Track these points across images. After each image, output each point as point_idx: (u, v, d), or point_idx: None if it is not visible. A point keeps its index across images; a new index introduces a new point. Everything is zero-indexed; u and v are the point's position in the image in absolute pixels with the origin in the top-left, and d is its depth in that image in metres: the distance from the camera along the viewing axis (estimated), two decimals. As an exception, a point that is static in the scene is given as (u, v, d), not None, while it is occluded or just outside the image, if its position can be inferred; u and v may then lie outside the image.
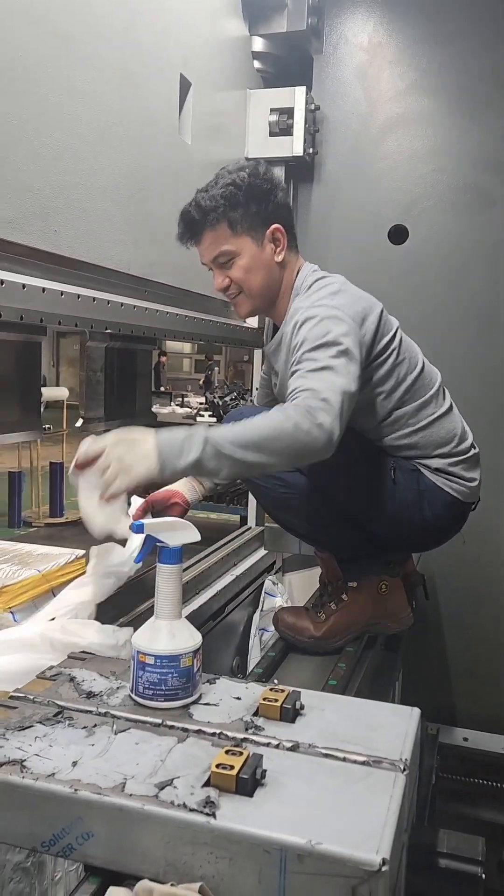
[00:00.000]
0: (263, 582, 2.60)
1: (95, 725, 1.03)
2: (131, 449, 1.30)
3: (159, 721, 1.06)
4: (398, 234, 2.62)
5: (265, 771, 0.92)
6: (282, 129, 2.52)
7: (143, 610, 1.78)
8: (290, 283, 1.75)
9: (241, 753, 0.92)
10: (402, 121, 2.61)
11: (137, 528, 1.15)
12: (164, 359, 18.23)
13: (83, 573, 2.34)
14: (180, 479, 1.42)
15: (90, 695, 1.13)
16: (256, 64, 2.64)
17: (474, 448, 1.82)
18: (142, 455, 1.30)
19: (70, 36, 1.51)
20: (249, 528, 2.81)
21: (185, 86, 2.03)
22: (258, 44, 2.61)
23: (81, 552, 2.48)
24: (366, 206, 2.65)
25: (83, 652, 1.33)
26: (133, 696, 1.11)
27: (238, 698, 1.14)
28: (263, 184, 1.68)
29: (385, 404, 1.71)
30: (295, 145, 2.52)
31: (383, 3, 2.60)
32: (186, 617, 2.00)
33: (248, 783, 0.88)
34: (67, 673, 1.21)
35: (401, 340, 1.75)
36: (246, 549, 2.63)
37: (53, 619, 1.71)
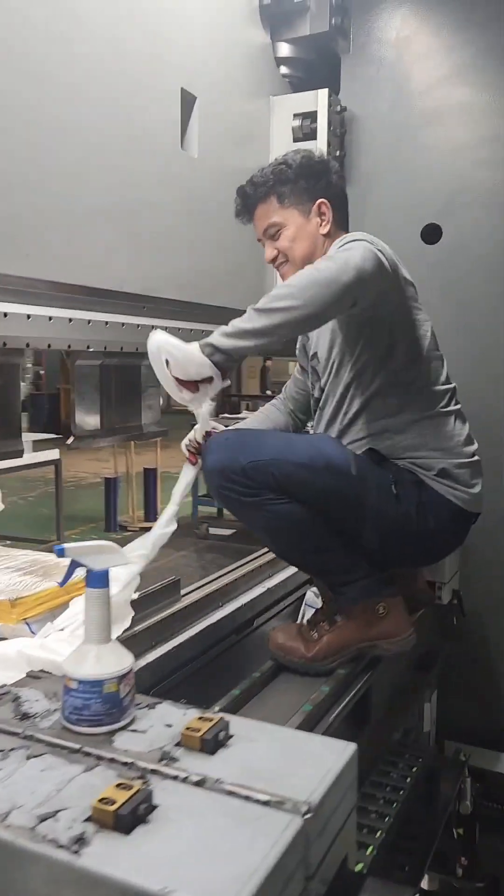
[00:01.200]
0: (305, 594, 2.55)
1: (13, 749, 1.03)
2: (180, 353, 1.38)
3: (78, 747, 1.04)
4: (432, 234, 2.50)
5: (153, 807, 0.89)
6: (305, 133, 2.47)
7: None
8: None
9: (130, 788, 0.89)
10: (435, 115, 2.49)
11: (59, 552, 1.15)
12: (269, 363, 18.76)
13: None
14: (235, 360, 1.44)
15: (25, 716, 1.14)
16: (284, 69, 2.61)
17: (478, 456, 1.78)
18: (195, 355, 1.38)
19: (57, 62, 1.54)
20: (287, 539, 2.76)
21: (188, 100, 2.03)
22: (284, 49, 2.59)
23: (108, 564, 2.51)
24: (399, 206, 2.55)
25: (42, 671, 1.33)
26: (63, 720, 1.11)
27: (169, 725, 1.11)
28: (316, 164, 1.83)
29: (402, 363, 1.71)
30: (319, 149, 2.45)
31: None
32: (204, 630, 2.03)
33: (126, 820, 0.85)
34: (15, 692, 1.22)
35: (427, 320, 1.81)
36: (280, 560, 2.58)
37: (63, 629, 1.75)
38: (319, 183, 1.82)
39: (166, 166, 1.96)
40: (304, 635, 1.68)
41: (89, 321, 1.71)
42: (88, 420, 1.76)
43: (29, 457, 4.94)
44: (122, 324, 1.74)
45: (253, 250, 2.33)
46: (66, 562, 2.70)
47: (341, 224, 1.87)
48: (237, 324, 1.40)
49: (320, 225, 1.82)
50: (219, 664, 1.96)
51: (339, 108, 2.52)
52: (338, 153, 2.54)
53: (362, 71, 2.58)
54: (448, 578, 2.26)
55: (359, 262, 1.45)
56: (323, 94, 2.45)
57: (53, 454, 5.46)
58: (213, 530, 2.87)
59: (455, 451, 1.71)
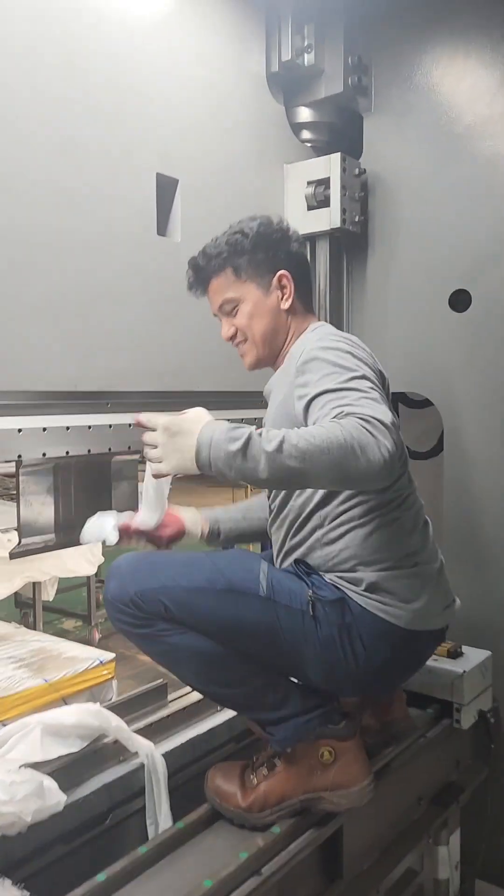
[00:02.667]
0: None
1: None
2: (175, 438, 1.30)
3: None
4: (460, 300, 2.25)
5: None
6: (319, 201, 2.32)
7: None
8: (299, 333, 1.66)
9: None
10: (462, 172, 2.24)
11: None
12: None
13: (105, 679, 2.28)
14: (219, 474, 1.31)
15: None
16: (306, 134, 2.49)
17: (426, 564, 1.53)
18: (186, 448, 1.29)
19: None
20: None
21: (167, 184, 1.95)
22: (303, 114, 2.47)
23: (110, 656, 2.42)
24: (425, 272, 2.32)
25: None
26: None
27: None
28: (274, 233, 1.66)
29: None
30: (332, 216, 2.30)
31: (431, 53, 2.28)
32: (194, 738, 1.89)
33: None
34: None
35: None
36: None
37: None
38: (279, 253, 1.64)
39: (142, 254, 1.88)
40: (243, 780, 1.48)
41: (44, 429, 1.65)
42: (38, 525, 1.69)
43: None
44: (68, 427, 1.67)
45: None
46: (73, 650, 2.61)
47: (303, 296, 1.69)
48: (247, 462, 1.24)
49: (281, 299, 1.64)
50: (194, 784, 1.80)
51: (357, 172, 2.35)
52: (357, 218, 2.36)
53: (384, 130, 2.39)
54: (469, 699, 1.96)
55: (397, 457, 1.25)
56: (335, 158, 2.29)
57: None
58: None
59: (389, 562, 1.47)
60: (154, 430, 1.32)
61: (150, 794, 1.68)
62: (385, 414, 1.27)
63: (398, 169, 2.37)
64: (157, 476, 1.38)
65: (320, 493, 1.50)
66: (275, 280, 1.63)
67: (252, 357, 1.67)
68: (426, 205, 2.32)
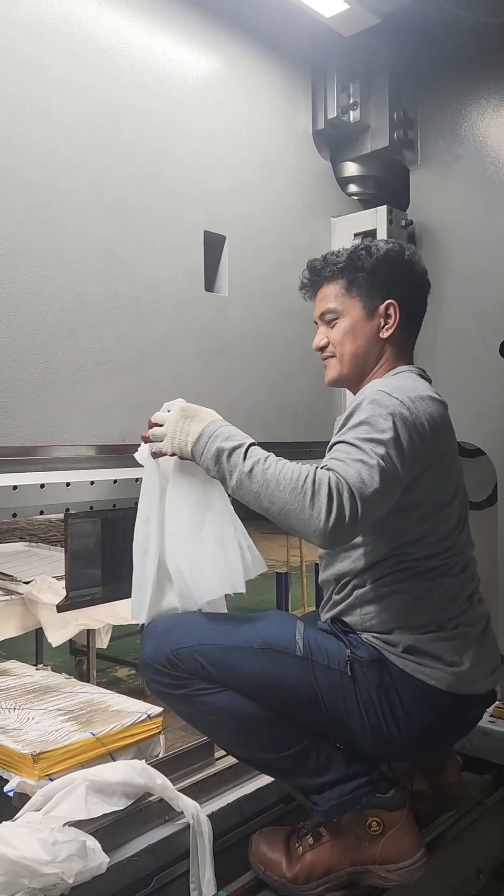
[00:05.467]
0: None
1: None
2: (187, 420, 1.41)
3: None
4: (512, 348, 2.21)
5: None
6: (366, 253, 2.33)
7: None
8: (387, 369, 1.61)
9: None
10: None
11: None
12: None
13: (152, 734, 2.25)
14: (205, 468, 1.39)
15: None
16: (353, 188, 2.53)
17: (469, 627, 1.46)
18: (192, 432, 1.39)
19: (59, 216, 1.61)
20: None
21: (214, 241, 2.00)
22: (350, 168, 2.51)
23: (157, 710, 2.39)
24: (475, 319, 2.30)
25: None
26: None
27: None
28: (404, 262, 1.63)
29: (409, 542, 1.46)
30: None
31: (476, 105, 2.30)
32: (241, 799, 1.83)
33: None
34: None
35: (449, 478, 1.51)
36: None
37: (40, 810, 1.65)
38: (398, 283, 1.60)
39: (189, 310, 1.92)
40: (288, 847, 1.43)
41: (92, 482, 1.68)
42: (85, 578, 1.70)
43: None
44: (115, 480, 1.69)
45: (292, 380, 2.20)
46: (121, 702, 2.58)
47: (408, 334, 1.64)
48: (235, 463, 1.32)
49: (381, 327, 1.59)
50: (239, 848, 1.75)
51: (404, 223, 2.36)
52: (404, 269, 2.36)
53: (431, 182, 2.40)
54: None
55: (345, 528, 1.24)
56: (381, 210, 2.31)
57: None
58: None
59: (429, 626, 1.42)
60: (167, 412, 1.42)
61: (194, 857, 1.63)
62: (365, 484, 1.25)
63: (445, 219, 2.38)
64: (155, 455, 1.45)
65: (365, 552, 1.46)
66: (382, 307, 1.58)
67: (334, 374, 1.64)
68: (474, 253, 2.31)
